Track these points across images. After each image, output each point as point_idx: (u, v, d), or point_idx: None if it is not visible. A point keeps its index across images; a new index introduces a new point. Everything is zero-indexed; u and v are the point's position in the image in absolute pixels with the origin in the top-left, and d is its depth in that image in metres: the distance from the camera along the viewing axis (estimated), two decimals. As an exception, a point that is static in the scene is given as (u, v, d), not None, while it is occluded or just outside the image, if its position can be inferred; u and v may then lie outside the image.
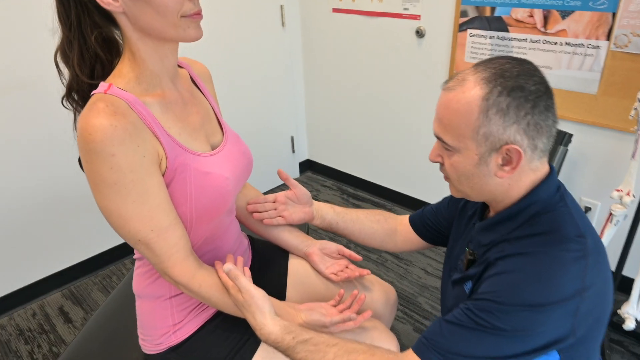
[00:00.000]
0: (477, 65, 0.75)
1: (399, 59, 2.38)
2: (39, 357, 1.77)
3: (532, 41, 1.85)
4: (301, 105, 3.00)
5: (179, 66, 0.96)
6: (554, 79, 1.82)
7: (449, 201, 1.09)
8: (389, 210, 2.70)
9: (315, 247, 1.15)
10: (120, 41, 0.82)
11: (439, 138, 0.78)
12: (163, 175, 0.80)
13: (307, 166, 3.22)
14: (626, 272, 1.83)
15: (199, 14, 0.78)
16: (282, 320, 0.84)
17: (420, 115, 2.41)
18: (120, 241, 2.27)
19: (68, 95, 0.83)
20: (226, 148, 0.94)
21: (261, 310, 0.84)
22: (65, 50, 0.79)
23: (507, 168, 0.74)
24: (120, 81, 0.79)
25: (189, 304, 0.96)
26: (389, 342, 1.03)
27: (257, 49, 2.58)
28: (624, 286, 1.83)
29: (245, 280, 0.84)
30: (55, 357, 1.77)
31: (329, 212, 1.18)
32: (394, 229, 1.19)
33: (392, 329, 1.25)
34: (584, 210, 1.66)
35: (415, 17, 2.21)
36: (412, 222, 1.16)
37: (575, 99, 1.81)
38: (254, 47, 2.56)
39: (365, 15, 2.42)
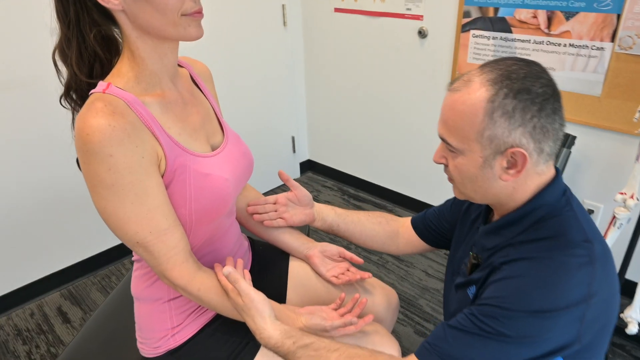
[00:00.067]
0: (483, 66, 0.74)
1: (400, 60, 2.36)
2: (36, 358, 1.75)
3: (535, 42, 1.84)
4: (302, 105, 2.99)
5: (179, 65, 0.94)
6: (557, 80, 1.77)
7: (452, 204, 1.08)
8: (390, 211, 2.69)
9: (316, 249, 1.14)
10: (120, 40, 0.81)
11: (443, 139, 0.77)
12: (162, 177, 0.79)
13: (308, 166, 3.21)
14: (629, 275, 1.82)
15: (199, 12, 0.76)
16: (282, 324, 0.83)
17: (422, 116, 2.40)
18: (120, 241, 2.25)
19: (66, 95, 0.82)
20: (227, 149, 0.93)
21: (261, 314, 0.83)
22: (63, 49, 0.78)
23: (511, 171, 0.73)
24: (119, 80, 0.77)
25: (187, 307, 0.95)
26: (391, 347, 1.02)
27: (259, 49, 2.57)
28: (626, 290, 1.82)
29: (245, 283, 0.83)
30: (54, 357, 1.76)
31: (330, 214, 1.16)
32: (395, 232, 1.17)
33: (393, 331, 1.23)
34: (587, 213, 1.64)
35: (418, 17, 2.20)
36: (414, 225, 1.15)
37: (579, 101, 1.79)
38: (255, 47, 2.55)
39: (367, 15, 2.41)
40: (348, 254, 1.14)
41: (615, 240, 1.56)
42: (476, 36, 2.01)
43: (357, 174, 2.91)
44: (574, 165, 1.89)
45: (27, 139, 1.84)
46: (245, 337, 0.93)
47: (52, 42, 0.79)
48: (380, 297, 1.16)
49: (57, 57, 0.79)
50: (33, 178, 1.90)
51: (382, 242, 1.17)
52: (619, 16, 1.60)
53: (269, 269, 1.15)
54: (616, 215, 1.56)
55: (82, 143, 0.69)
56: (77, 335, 1.17)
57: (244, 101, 2.59)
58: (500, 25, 1.92)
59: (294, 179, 1.12)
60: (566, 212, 0.75)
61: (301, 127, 3.04)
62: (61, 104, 0.83)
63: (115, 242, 2.26)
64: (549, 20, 1.77)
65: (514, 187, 0.75)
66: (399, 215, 1.21)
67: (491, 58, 2.01)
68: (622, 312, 1.59)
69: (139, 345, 0.99)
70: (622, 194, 1.55)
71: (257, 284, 0.97)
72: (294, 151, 3.04)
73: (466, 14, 2.01)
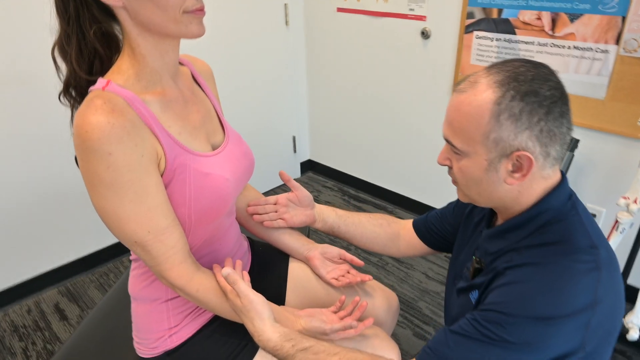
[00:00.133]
0: (490, 67, 0.73)
1: (403, 60, 2.35)
2: (32, 355, 1.74)
3: (539, 44, 1.83)
4: (303, 105, 2.98)
5: (181, 63, 0.93)
6: (561, 83, 1.79)
7: (455, 206, 1.06)
8: (390, 212, 2.68)
9: (317, 251, 1.12)
10: (120, 37, 0.80)
11: (448, 141, 0.76)
12: (162, 176, 0.78)
13: (309, 166, 3.20)
14: (631, 281, 1.81)
15: (201, 10, 0.75)
16: (281, 327, 0.82)
17: (424, 118, 2.39)
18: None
19: (65, 91, 0.81)
20: (227, 148, 0.92)
21: (260, 316, 0.82)
22: (63, 45, 0.77)
23: (517, 175, 0.72)
24: (119, 78, 0.76)
25: (185, 308, 0.94)
26: (391, 351, 1.01)
27: (260, 48, 2.56)
28: (628, 295, 1.80)
29: (244, 285, 0.82)
30: (50, 354, 1.75)
31: (330, 215, 1.15)
32: (397, 234, 1.16)
33: (392, 334, 1.22)
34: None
35: (421, 17, 2.19)
36: (416, 227, 1.14)
37: (583, 104, 1.78)
38: (256, 46, 2.53)
39: (370, 15, 2.39)
40: (349, 256, 1.12)
41: (618, 245, 1.55)
42: (479, 37, 2.00)
43: (358, 174, 2.90)
44: (576, 169, 1.88)
45: (26, 136, 1.83)
46: (244, 339, 0.92)
47: (52, 38, 0.78)
48: (381, 300, 1.15)
49: (56, 54, 0.78)
50: (32, 174, 1.89)
51: (383, 244, 1.16)
52: (624, 19, 1.59)
53: (269, 270, 1.14)
54: (619, 220, 1.55)
55: (81, 140, 0.68)
56: (74, 333, 1.16)
57: (244, 100, 2.58)
58: (504, 26, 1.90)
59: (294, 179, 1.11)
60: (572, 217, 0.74)
61: (302, 127, 3.03)
62: (60, 101, 0.82)
63: (114, 239, 2.25)
64: (553, 22, 1.76)
65: (519, 191, 0.74)
66: (399, 217, 1.20)
67: (494, 60, 2.00)
68: (623, 317, 1.58)
69: (135, 345, 0.98)
70: (625, 198, 1.54)
71: (256, 285, 0.95)
72: (295, 151, 3.03)
73: (470, 15, 2.00)
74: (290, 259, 1.17)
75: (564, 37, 1.76)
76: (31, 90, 1.79)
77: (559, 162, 0.74)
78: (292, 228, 1.16)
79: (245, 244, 1.13)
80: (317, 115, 2.98)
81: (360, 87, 2.62)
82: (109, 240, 2.23)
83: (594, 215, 1.91)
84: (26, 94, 1.78)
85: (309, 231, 1.42)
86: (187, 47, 0.95)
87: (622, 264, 1.66)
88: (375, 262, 2.24)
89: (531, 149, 0.69)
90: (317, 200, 2.61)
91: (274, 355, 0.80)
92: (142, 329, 0.95)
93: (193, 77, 0.95)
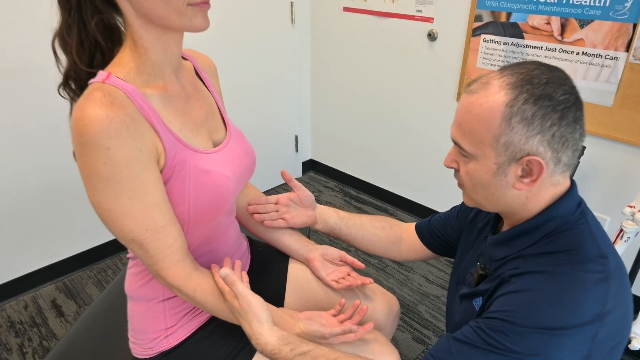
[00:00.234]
0: (503, 69, 0.71)
1: (408, 62, 2.33)
2: (28, 351, 1.73)
3: (548, 49, 1.81)
4: (307, 104, 2.96)
5: (184, 58, 0.91)
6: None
7: (459, 211, 1.05)
8: (392, 214, 2.66)
9: (317, 252, 1.11)
10: (122, 29, 0.78)
11: (456, 143, 0.74)
12: (161, 172, 0.76)
13: (310, 166, 3.18)
14: (635, 290, 1.79)
15: (206, 2, 0.73)
16: (279, 330, 0.80)
17: (428, 120, 2.37)
18: (117, 235, 2.23)
19: (65, 84, 0.79)
20: (229, 146, 0.90)
21: (258, 318, 0.80)
22: (63, 36, 0.75)
23: (526, 180, 0.70)
24: (120, 71, 0.74)
25: (182, 308, 0.92)
26: (391, 356, 0.99)
27: (265, 45, 2.54)
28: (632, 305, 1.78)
29: (242, 286, 0.80)
30: (46, 351, 1.73)
31: (332, 217, 1.14)
32: (399, 237, 1.15)
33: (391, 337, 1.21)
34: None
35: (428, 19, 2.17)
36: (419, 231, 1.12)
37: (590, 111, 1.76)
38: (261, 43, 2.52)
39: (376, 16, 2.38)
40: (349, 258, 1.11)
41: (622, 254, 1.53)
42: (487, 41, 1.98)
43: (360, 175, 2.88)
44: (581, 176, 1.86)
45: (25, 129, 1.81)
46: (241, 340, 0.90)
47: (52, 30, 0.76)
48: (381, 303, 1.13)
49: (56, 45, 0.76)
50: (30, 168, 1.87)
51: (384, 247, 1.14)
52: (634, 26, 1.57)
53: (268, 271, 1.12)
54: (624, 229, 1.52)
55: (79, 134, 0.66)
56: (70, 329, 1.14)
57: (247, 98, 2.56)
58: (513, 30, 1.88)
59: (295, 179, 1.09)
60: (580, 225, 0.72)
61: (305, 127, 3.01)
62: (59, 94, 0.80)
63: (112, 235, 2.22)
64: (563, 27, 1.74)
65: (527, 197, 0.72)
66: (401, 220, 1.18)
67: (502, 64, 1.98)
68: (626, 327, 1.56)
69: (131, 345, 0.96)
70: (630, 207, 1.52)
71: (255, 285, 0.94)
72: (297, 150, 3.01)
73: (478, 18, 1.98)
74: (290, 260, 1.15)
75: (573, 43, 1.74)
76: (29, 83, 1.77)
77: (569, 168, 0.72)
78: (292, 228, 1.14)
79: (245, 244, 1.11)
80: (319, 115, 2.96)
81: (364, 88, 2.60)
82: (108, 236, 2.21)
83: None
84: (24, 86, 1.76)
85: (309, 232, 1.40)
86: (190, 44, 0.93)
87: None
88: (375, 265, 2.23)
89: (542, 154, 0.67)
90: (318, 200, 2.59)
91: (272, 359, 0.79)
92: (137, 329, 0.93)
93: (196, 72, 0.93)
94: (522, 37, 1.86)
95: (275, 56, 2.62)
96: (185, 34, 0.80)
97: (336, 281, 1.08)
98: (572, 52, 1.75)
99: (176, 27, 0.74)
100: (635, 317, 1.56)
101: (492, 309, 0.71)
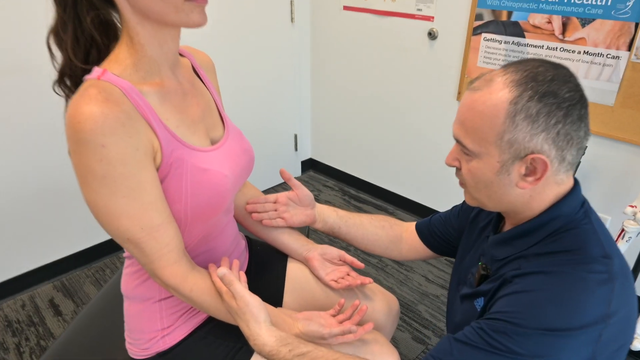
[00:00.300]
0: (507, 66, 0.70)
1: (408, 61, 2.32)
2: (25, 351, 1.71)
3: (549, 48, 1.80)
4: (306, 103, 2.95)
5: (181, 55, 0.90)
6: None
7: (460, 210, 1.03)
8: (391, 214, 2.65)
9: (316, 251, 1.09)
10: (119, 25, 0.77)
11: (458, 141, 0.73)
12: (157, 170, 0.75)
13: (310, 165, 3.17)
14: (637, 291, 1.77)
15: (204, -2, 0.72)
16: (278, 330, 0.79)
17: (428, 119, 2.36)
18: (116, 234, 2.22)
19: (60, 81, 0.77)
20: (227, 144, 0.89)
21: (256, 319, 0.79)
22: (58, 32, 0.73)
23: (530, 179, 0.69)
24: (116, 67, 0.73)
25: (179, 308, 0.91)
26: (390, 357, 0.98)
27: (264, 44, 2.53)
28: (632, 305, 1.78)
29: (240, 286, 0.79)
30: (43, 351, 1.72)
31: (331, 216, 1.13)
32: (399, 236, 1.13)
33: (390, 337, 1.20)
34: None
35: (429, 18, 2.16)
36: (419, 230, 1.11)
37: (591, 110, 1.72)
38: (260, 42, 2.51)
39: (376, 14, 2.36)
40: (349, 257, 1.10)
41: (623, 254, 1.52)
42: (487, 40, 1.97)
43: (359, 174, 2.87)
44: (582, 176, 1.85)
45: (22, 127, 1.80)
46: (239, 341, 0.89)
47: (47, 26, 0.75)
48: (381, 303, 1.12)
49: (51, 41, 0.74)
50: (28, 167, 1.86)
51: (384, 246, 1.13)
52: (637, 25, 1.55)
53: (266, 270, 1.11)
54: (625, 229, 1.51)
55: (73, 131, 0.65)
56: (67, 329, 1.13)
57: (247, 97, 2.55)
58: (513, 29, 1.87)
59: (295, 178, 1.08)
60: (584, 225, 0.71)
61: (304, 125, 3.00)
62: (54, 91, 0.79)
63: (110, 234, 2.22)
64: (564, 26, 1.73)
65: (531, 196, 0.71)
66: (400, 219, 1.17)
67: (502, 63, 1.97)
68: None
69: (127, 345, 0.95)
70: (632, 207, 1.51)
71: (253, 284, 0.93)
72: (296, 149, 3.00)
73: (478, 17, 1.97)
74: (289, 260, 1.14)
75: (574, 42, 1.73)
76: (25, 81, 1.75)
77: (573, 167, 0.71)
78: (291, 228, 1.13)
79: (243, 243, 1.10)
80: (319, 114, 2.95)
81: (364, 87, 2.59)
82: (106, 235, 2.18)
83: (600, 223, 1.88)
84: (19, 84, 1.74)
85: (308, 231, 1.39)
86: (188, 43, 0.92)
87: (627, 273, 1.63)
88: (374, 264, 2.22)
89: (547, 152, 0.66)
90: (317, 199, 2.58)
91: (270, 360, 0.78)
92: (134, 329, 0.92)
93: (194, 69, 0.92)
94: (523, 36, 1.85)
95: (275, 55, 2.61)
96: (184, 32, 0.78)
97: (335, 281, 1.06)
98: (573, 51, 1.74)
99: (173, 22, 0.72)
100: (638, 318, 1.55)
101: (494, 309, 0.70)
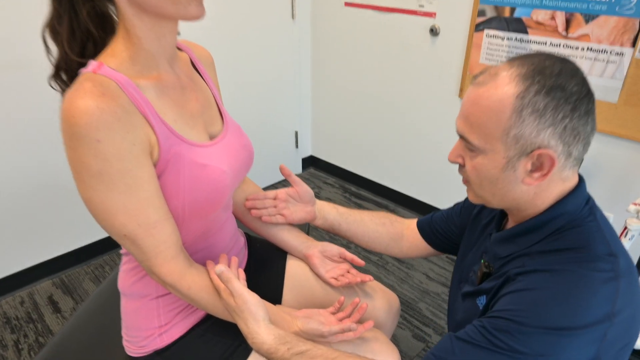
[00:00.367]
0: (512, 60, 0.68)
1: (410, 57, 2.31)
2: (24, 347, 1.71)
3: (552, 45, 1.78)
4: (307, 100, 2.93)
5: (179, 49, 0.89)
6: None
7: (462, 207, 1.02)
8: (392, 211, 2.64)
9: (316, 249, 1.08)
10: (115, 17, 0.75)
11: (462, 137, 0.71)
12: (154, 166, 0.73)
13: (310, 162, 3.16)
14: (638, 289, 1.76)
15: (202, -10, 0.71)
16: (276, 328, 0.78)
17: (429, 116, 2.34)
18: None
19: (56, 75, 0.76)
20: (226, 139, 0.87)
21: (255, 317, 0.77)
22: (54, 26, 0.72)
23: (536, 175, 0.67)
24: (112, 61, 0.72)
25: (176, 305, 0.90)
26: (391, 355, 0.97)
27: (265, 41, 2.51)
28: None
29: (238, 283, 0.78)
30: (41, 348, 1.70)
31: (331, 213, 1.11)
32: (400, 234, 1.12)
33: (391, 335, 1.19)
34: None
35: (431, 14, 2.14)
36: (420, 228, 1.10)
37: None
38: (261, 38, 2.49)
39: (378, 11, 2.35)
40: (349, 255, 1.08)
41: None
42: (490, 36, 1.95)
43: (360, 172, 2.86)
44: (584, 173, 1.81)
45: (20, 122, 1.79)
46: (237, 339, 0.88)
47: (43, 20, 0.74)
48: (381, 301, 1.10)
49: (46, 35, 0.73)
50: (27, 164, 1.85)
51: (385, 244, 1.12)
52: (641, 20, 1.54)
53: (266, 267, 1.10)
54: (628, 227, 1.50)
55: (68, 126, 0.64)
56: (66, 325, 1.12)
57: (247, 93, 2.54)
58: (516, 25, 1.85)
59: (295, 175, 1.07)
60: (588, 223, 0.70)
61: (305, 122, 2.98)
62: (50, 85, 0.77)
63: (110, 231, 2.21)
64: (568, 22, 1.71)
65: (536, 192, 0.70)
66: (401, 216, 1.16)
67: (505, 59, 1.95)
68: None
69: (124, 343, 0.94)
70: (635, 204, 1.49)
71: (252, 282, 0.92)
72: (297, 146, 2.99)
73: (481, 13, 1.95)
74: (288, 257, 1.13)
75: (577, 38, 1.71)
76: (21, 75, 1.73)
77: (579, 163, 0.69)
78: (291, 224, 1.12)
79: (242, 240, 1.09)
80: (320, 111, 2.93)
81: (365, 84, 2.57)
82: (105, 232, 2.19)
83: (602, 221, 1.86)
84: (16, 79, 1.73)
85: (308, 228, 1.38)
86: (187, 36, 0.91)
87: (630, 272, 1.62)
88: (375, 261, 2.20)
89: (553, 147, 0.65)
90: (317, 196, 2.57)
91: (268, 359, 0.76)
92: (131, 327, 0.91)
93: (192, 63, 0.90)
94: (526, 33, 1.84)
95: (275, 51, 2.59)
96: (184, 29, 0.77)
97: (335, 278, 1.05)
98: (577, 48, 1.72)
99: (170, 15, 0.71)
100: None
101: (496, 308, 0.69)
